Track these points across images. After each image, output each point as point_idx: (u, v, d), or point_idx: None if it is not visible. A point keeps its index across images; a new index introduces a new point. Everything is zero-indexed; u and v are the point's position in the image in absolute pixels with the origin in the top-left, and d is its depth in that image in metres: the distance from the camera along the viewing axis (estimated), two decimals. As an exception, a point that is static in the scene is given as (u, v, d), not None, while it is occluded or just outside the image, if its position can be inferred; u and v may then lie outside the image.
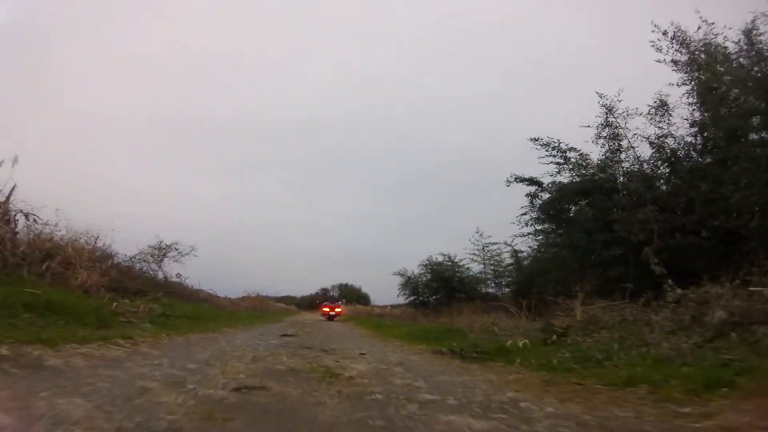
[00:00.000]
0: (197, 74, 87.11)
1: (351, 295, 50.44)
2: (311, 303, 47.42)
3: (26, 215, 9.47)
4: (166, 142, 78.98)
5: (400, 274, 25.67)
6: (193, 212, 63.41)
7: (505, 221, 14.00)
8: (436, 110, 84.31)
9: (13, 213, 9.19)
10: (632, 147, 10.70)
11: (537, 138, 11.56)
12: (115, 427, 2.32)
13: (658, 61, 10.28)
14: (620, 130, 10.63)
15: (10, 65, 49.74)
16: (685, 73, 10.14)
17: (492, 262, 22.03)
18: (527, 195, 12.26)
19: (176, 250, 17.02)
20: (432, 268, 24.14)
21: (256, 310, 24.77)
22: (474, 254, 22.15)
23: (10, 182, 8.90)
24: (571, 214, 11.99)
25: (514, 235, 14.69)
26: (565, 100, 49.49)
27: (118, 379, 3.55)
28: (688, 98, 10.09)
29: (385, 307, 32.56)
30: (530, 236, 13.67)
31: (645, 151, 10.66)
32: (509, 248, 19.49)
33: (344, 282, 56.09)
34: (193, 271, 21.07)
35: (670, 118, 10.29)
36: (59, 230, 10.19)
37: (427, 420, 2.89)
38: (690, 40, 9.99)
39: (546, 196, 12.08)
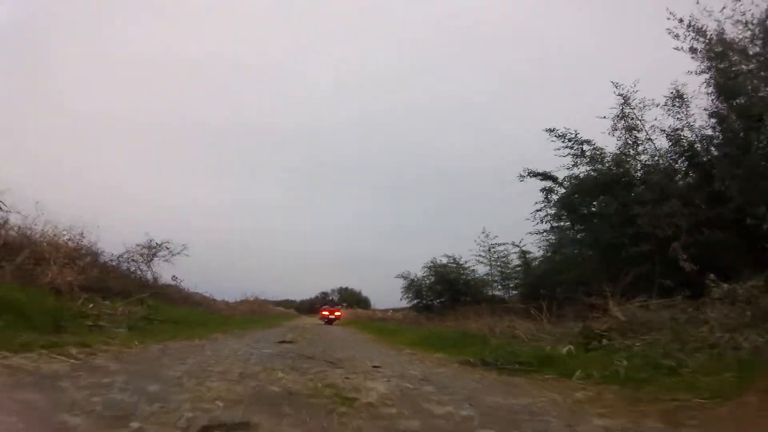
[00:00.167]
0: (197, 74, 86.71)
1: (351, 298, 49.24)
2: (311, 307, 46.53)
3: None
4: (166, 143, 78.13)
5: (403, 276, 24.58)
6: (193, 214, 61.95)
7: (510, 222, 13.42)
8: (436, 110, 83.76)
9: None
10: (650, 139, 10.28)
11: (552, 129, 11.04)
12: None
13: (677, 49, 9.72)
14: (637, 121, 10.22)
15: (10, 65, 49.14)
16: (702, 62, 9.55)
17: (499, 263, 20.96)
18: (542, 190, 11.82)
19: (167, 249, 15.70)
20: (436, 270, 22.98)
21: (254, 314, 23.71)
22: (480, 255, 21.11)
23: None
24: (593, 209, 11.36)
25: (529, 233, 13.78)
26: (565, 100, 48.95)
27: (31, 407, 2.41)
28: (707, 87, 9.53)
29: (387, 311, 31.40)
30: (545, 233, 13.01)
31: (662, 144, 10.30)
32: (517, 249, 18.53)
33: (344, 286, 55.06)
34: (191, 274, 20.17)
35: (688, 109, 9.86)
36: (36, 224, 9.26)
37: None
38: (706, 28, 9.48)
39: (561, 191, 11.58)
